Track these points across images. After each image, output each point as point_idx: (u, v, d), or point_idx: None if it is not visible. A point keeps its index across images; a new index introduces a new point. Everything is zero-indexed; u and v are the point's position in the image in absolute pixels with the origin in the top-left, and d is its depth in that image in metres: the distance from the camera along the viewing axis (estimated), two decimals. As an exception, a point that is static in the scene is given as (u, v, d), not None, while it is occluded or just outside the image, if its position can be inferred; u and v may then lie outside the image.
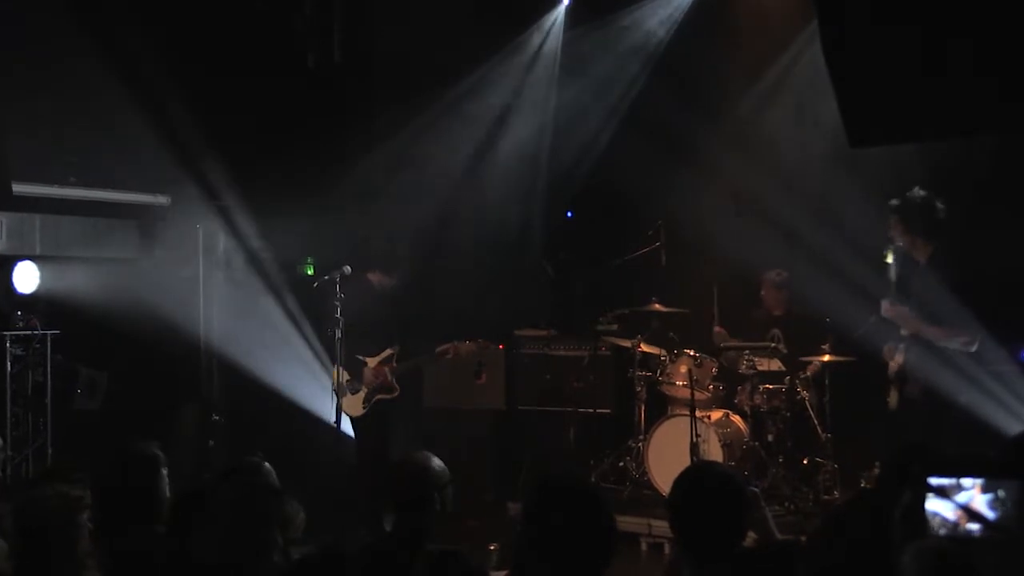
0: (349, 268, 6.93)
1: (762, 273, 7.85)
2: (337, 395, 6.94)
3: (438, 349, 7.29)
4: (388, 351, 7.18)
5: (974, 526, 2.75)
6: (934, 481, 2.80)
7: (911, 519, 2.79)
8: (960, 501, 2.76)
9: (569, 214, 9.35)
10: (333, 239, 7.71)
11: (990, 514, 2.74)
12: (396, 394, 7.20)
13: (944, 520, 2.76)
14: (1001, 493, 2.75)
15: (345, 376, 7.14)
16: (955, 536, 2.75)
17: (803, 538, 3.48)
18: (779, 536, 3.47)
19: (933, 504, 2.77)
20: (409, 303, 7.39)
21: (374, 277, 7.20)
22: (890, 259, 5.94)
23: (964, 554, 2.58)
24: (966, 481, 2.78)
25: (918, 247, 5.96)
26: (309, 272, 8.00)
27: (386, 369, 7.17)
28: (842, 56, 4.55)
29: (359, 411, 7.14)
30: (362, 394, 7.14)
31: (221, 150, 7.84)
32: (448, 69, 8.56)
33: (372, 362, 7.17)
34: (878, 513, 2.89)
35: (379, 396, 7.14)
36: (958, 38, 4.20)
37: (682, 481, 3.21)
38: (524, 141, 8.79)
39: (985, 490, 2.76)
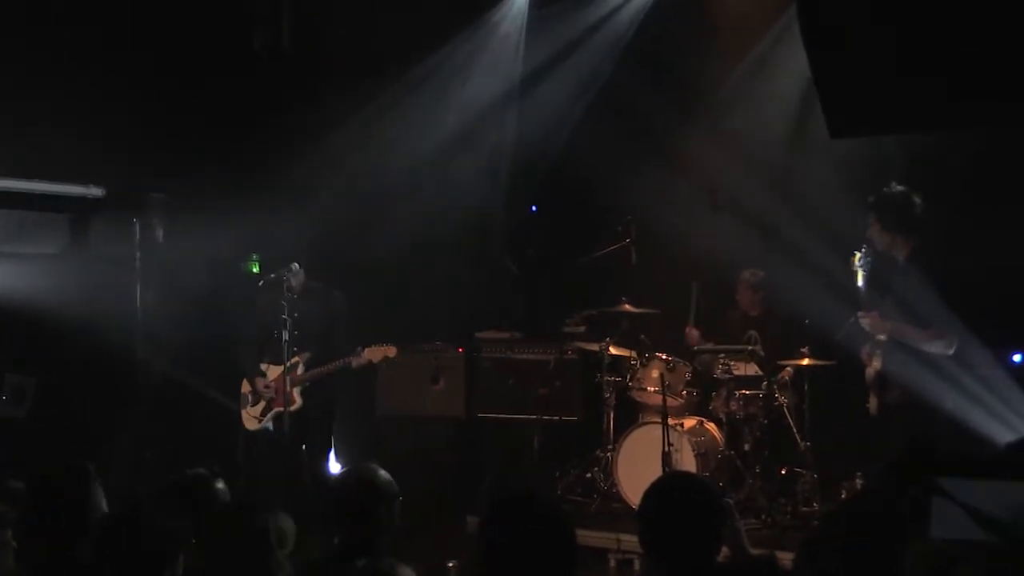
0: (297, 265, 6.92)
1: (738, 273, 7.90)
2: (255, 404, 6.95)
3: (355, 353, 7.01)
4: (294, 359, 7.02)
5: (982, 529, 2.77)
6: (943, 481, 2.82)
7: (916, 520, 2.82)
8: (968, 503, 2.78)
9: (534, 208, 9.35)
10: (280, 234, 7.66)
11: (998, 516, 2.77)
12: (295, 407, 7.01)
13: (951, 522, 2.79)
14: (1009, 494, 2.78)
15: (247, 387, 7.10)
16: (962, 539, 2.77)
17: (776, 552, 3.51)
18: (752, 551, 3.50)
19: (939, 505, 2.79)
20: (350, 305, 7.30)
21: (294, 279, 7.06)
22: (857, 264, 5.99)
23: (970, 558, 2.60)
24: (979, 482, 2.80)
25: (896, 245, 6.03)
26: (254, 270, 7.93)
27: (286, 379, 6.98)
28: (822, 47, 4.63)
29: (255, 425, 7.09)
30: (260, 406, 7.08)
31: (160, 138, 7.76)
32: (404, 54, 8.54)
33: (273, 372, 7.07)
34: (882, 513, 2.91)
35: (277, 409, 7.01)
36: (935, 31, 4.31)
37: (653, 492, 3.22)
38: (485, 131, 8.78)
39: (989, 490, 2.79)
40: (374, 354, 6.96)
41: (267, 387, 7.06)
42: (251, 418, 7.14)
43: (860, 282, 5.97)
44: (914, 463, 3.26)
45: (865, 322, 6.01)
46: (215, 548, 3.39)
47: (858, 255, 5.96)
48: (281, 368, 6.96)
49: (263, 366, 7.07)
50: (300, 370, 7.05)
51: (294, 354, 7.00)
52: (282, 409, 6.95)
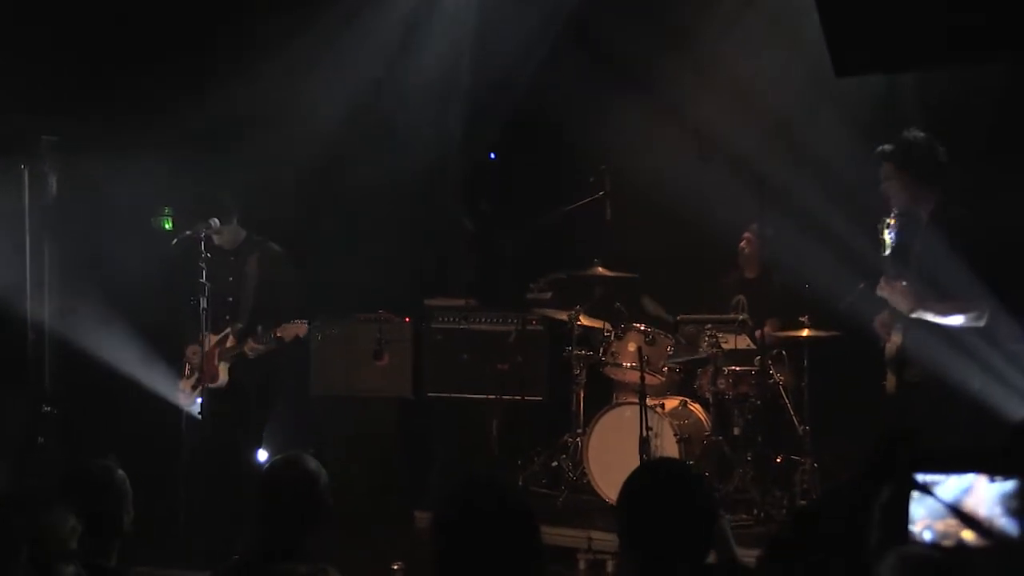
0: (217, 222, 6.89)
1: (731, 229, 7.90)
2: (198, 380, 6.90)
3: (275, 329, 7.02)
4: (226, 330, 7.10)
5: (966, 532, 2.80)
6: (922, 477, 2.84)
7: (892, 520, 2.83)
8: (951, 501, 2.81)
9: (492, 156, 9.31)
10: (197, 184, 7.58)
11: (986, 517, 2.79)
12: (217, 384, 7.08)
13: (932, 523, 2.81)
14: (1002, 493, 2.81)
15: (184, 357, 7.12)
16: (943, 543, 2.79)
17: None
18: (739, 555, 3.50)
19: (919, 504, 2.81)
20: (282, 269, 7.25)
21: (218, 236, 7.06)
22: (887, 235, 5.97)
23: (952, 564, 2.62)
24: (963, 478, 2.83)
25: (918, 201, 6.01)
26: (167, 226, 7.87)
27: (216, 352, 7.09)
28: None
29: (188, 400, 7.12)
30: (192, 379, 7.11)
31: (53, 71, 7.65)
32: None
33: (213, 341, 7.08)
34: (854, 512, 2.92)
35: (206, 384, 7.02)
36: None
37: (633, 482, 3.21)
38: (437, 64, 8.71)
39: (984, 491, 2.82)
40: (286, 332, 6.92)
41: (193, 358, 7.08)
42: (183, 392, 7.20)
43: (887, 252, 5.94)
44: (891, 457, 3.27)
45: (885, 293, 6.00)
46: None
47: (887, 221, 5.92)
48: (216, 337, 7.06)
49: (204, 335, 7.00)
50: (229, 343, 7.08)
51: (227, 323, 7.07)
52: (210, 385, 7.01)
